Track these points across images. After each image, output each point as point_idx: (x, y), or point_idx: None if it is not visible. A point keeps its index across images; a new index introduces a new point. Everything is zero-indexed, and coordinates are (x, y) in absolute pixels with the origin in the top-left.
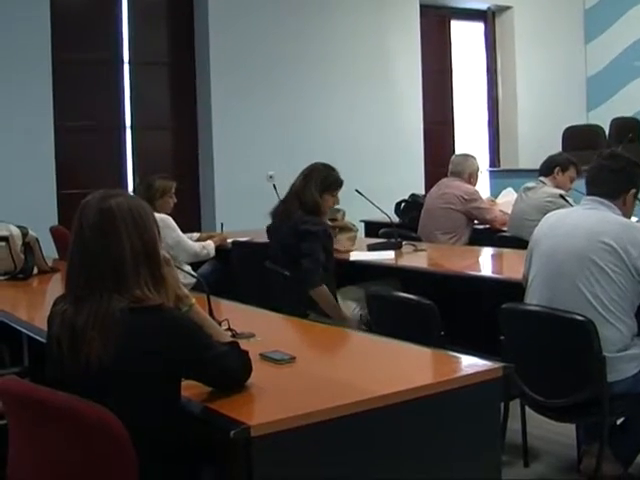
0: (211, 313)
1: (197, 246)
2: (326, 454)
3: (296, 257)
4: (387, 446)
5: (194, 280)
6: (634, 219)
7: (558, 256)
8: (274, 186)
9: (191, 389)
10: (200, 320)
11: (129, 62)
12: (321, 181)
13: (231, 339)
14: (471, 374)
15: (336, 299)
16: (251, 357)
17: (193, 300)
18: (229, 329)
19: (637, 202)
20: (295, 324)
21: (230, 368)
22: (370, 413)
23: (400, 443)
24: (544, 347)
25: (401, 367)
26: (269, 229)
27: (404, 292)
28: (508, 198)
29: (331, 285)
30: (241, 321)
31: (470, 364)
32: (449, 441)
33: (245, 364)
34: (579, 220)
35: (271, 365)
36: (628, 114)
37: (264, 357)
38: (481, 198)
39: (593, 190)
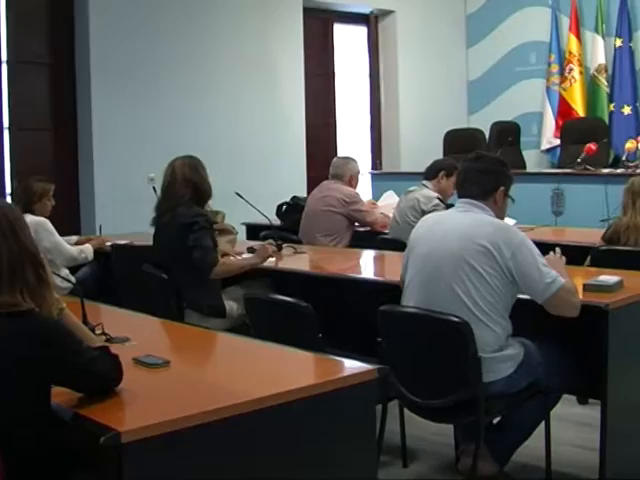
0: (85, 317)
1: (75, 250)
2: (201, 458)
3: (183, 251)
4: (262, 449)
5: (71, 284)
6: (507, 219)
7: (434, 258)
8: (154, 188)
9: (62, 395)
10: (70, 325)
11: (7, 62)
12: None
13: (102, 344)
14: (346, 376)
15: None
16: (125, 362)
17: (63, 304)
18: (103, 333)
19: (510, 200)
20: (171, 328)
21: (100, 373)
22: (244, 416)
23: (275, 445)
24: (421, 348)
25: (276, 370)
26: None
27: (281, 294)
28: (389, 201)
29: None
30: (116, 325)
31: (345, 366)
32: (325, 442)
33: (115, 369)
34: (454, 223)
35: (145, 370)
36: (508, 118)
37: (138, 361)
38: (362, 201)
39: (464, 192)
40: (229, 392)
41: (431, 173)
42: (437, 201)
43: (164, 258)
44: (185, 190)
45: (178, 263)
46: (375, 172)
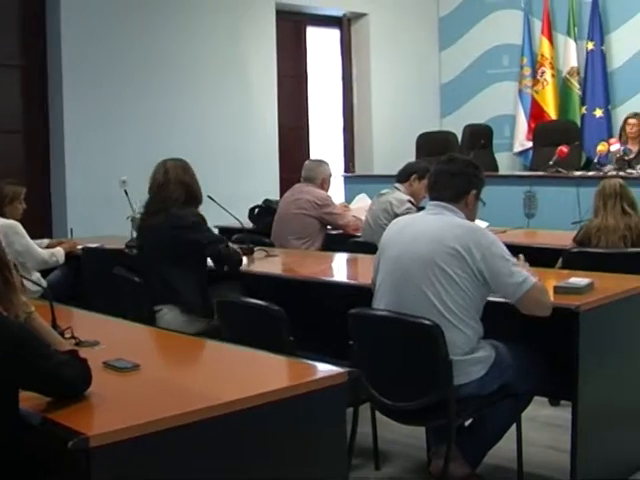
0: (54, 321)
1: (46, 253)
2: (170, 462)
3: (178, 252)
4: (232, 452)
5: (41, 288)
6: (479, 222)
7: (404, 261)
8: (125, 192)
9: (30, 400)
10: (39, 329)
11: None
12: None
13: (71, 348)
14: (316, 379)
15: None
16: (94, 365)
17: (32, 308)
18: (72, 337)
19: (480, 203)
20: (142, 331)
21: (68, 378)
22: (214, 420)
23: (245, 449)
24: (392, 351)
25: (247, 373)
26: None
27: (253, 297)
28: (361, 204)
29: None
30: (86, 329)
31: (316, 369)
32: (296, 445)
33: (84, 373)
34: (424, 225)
35: (114, 373)
36: (480, 121)
37: (107, 365)
38: (334, 204)
39: (436, 195)
40: (199, 396)
41: (403, 176)
42: (409, 204)
43: (150, 258)
44: (179, 192)
45: (171, 263)
46: (348, 175)
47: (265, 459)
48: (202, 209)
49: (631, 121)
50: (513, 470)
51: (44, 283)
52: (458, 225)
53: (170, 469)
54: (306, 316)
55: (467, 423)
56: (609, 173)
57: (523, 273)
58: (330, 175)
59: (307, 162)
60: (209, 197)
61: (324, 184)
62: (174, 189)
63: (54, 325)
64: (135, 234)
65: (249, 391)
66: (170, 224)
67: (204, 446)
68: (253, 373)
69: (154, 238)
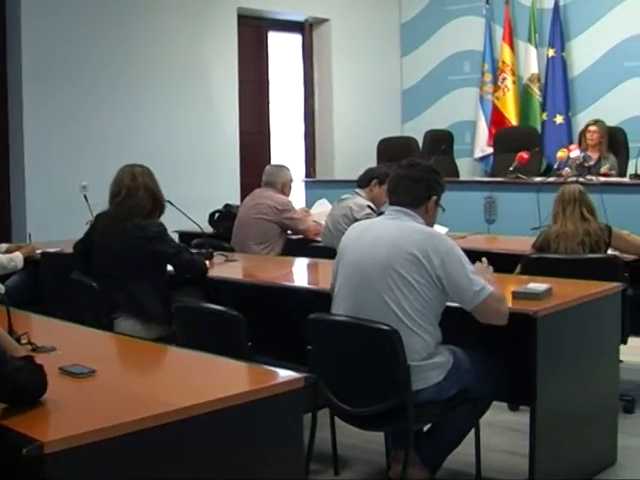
0: (10, 327)
1: (4, 258)
2: (126, 468)
3: (144, 262)
4: (187, 459)
5: None
6: (439, 227)
7: (363, 266)
8: (85, 197)
9: None
10: None
11: None
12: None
13: (27, 354)
14: (272, 385)
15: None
16: (50, 371)
17: None
18: (29, 343)
19: (439, 209)
20: (99, 337)
21: (23, 384)
22: (170, 426)
23: (202, 455)
24: (350, 357)
25: (203, 379)
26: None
27: (212, 302)
28: (322, 209)
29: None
30: (43, 334)
31: (273, 375)
32: (252, 451)
33: (39, 379)
34: (383, 230)
35: (70, 379)
36: (441, 127)
37: (63, 371)
38: (294, 209)
39: (395, 200)
40: (155, 401)
41: (364, 181)
42: (369, 209)
43: (111, 265)
44: (147, 200)
45: (132, 272)
46: (309, 180)
47: (221, 465)
48: (163, 214)
49: (591, 128)
50: (472, 475)
51: (1, 288)
52: (417, 231)
53: (126, 475)
54: (266, 321)
55: (426, 428)
56: (569, 179)
57: (481, 281)
58: (291, 180)
59: (268, 167)
60: (169, 202)
61: (284, 189)
62: (142, 196)
63: (10, 331)
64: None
65: (205, 397)
66: (134, 234)
67: (160, 452)
68: (210, 378)
69: (118, 245)
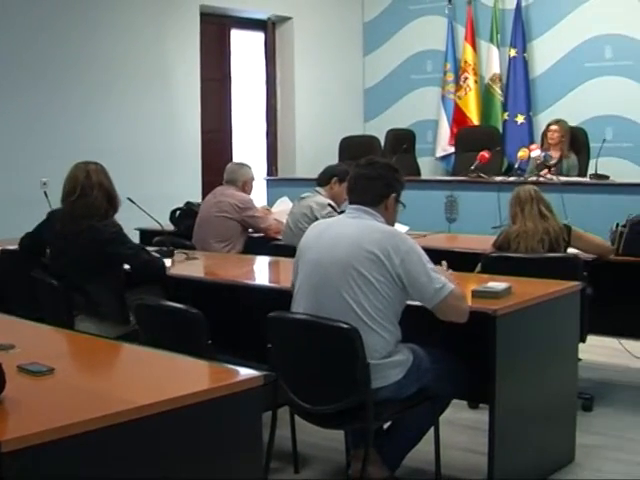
0: None
1: None
2: (85, 467)
3: (101, 264)
4: (146, 457)
5: None
6: (399, 226)
7: (323, 265)
8: (45, 193)
9: None
10: None
11: None
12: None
13: None
14: (231, 383)
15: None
16: (8, 369)
17: None
18: None
19: (400, 206)
20: (59, 335)
21: None
22: (129, 424)
23: (161, 453)
24: (310, 355)
25: (163, 377)
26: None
27: (173, 301)
28: (283, 207)
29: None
30: (2, 332)
31: (232, 373)
32: (211, 449)
33: None
34: (343, 229)
35: (29, 377)
36: (403, 126)
37: (21, 369)
38: (255, 207)
39: (355, 199)
40: (114, 400)
41: (324, 179)
42: (330, 208)
43: (68, 267)
44: (102, 199)
45: (89, 273)
46: (270, 178)
47: (180, 463)
48: (123, 211)
49: (553, 127)
50: (431, 472)
51: None
52: (377, 230)
53: (85, 473)
54: (227, 319)
55: (386, 426)
56: (529, 179)
57: (441, 279)
58: (252, 178)
59: (229, 165)
60: (129, 199)
61: (246, 187)
62: (97, 195)
63: None
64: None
65: (164, 395)
66: (91, 236)
67: (119, 450)
68: (169, 376)
69: (75, 248)
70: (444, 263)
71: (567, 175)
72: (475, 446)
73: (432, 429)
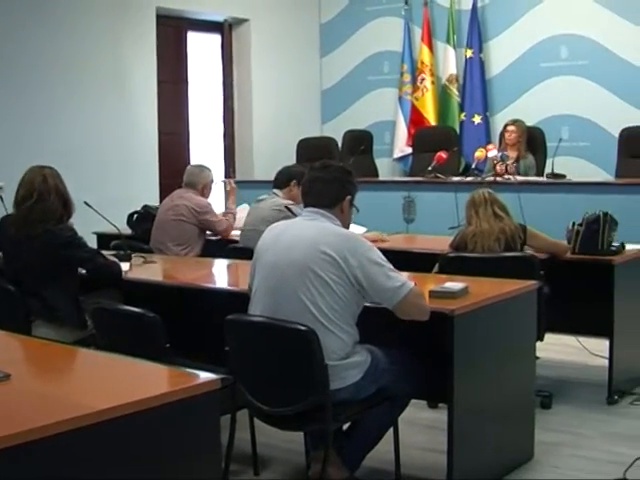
0: None
1: None
2: (42, 473)
3: (57, 269)
4: (104, 462)
5: None
6: (356, 227)
7: (280, 267)
8: (1, 197)
9: None
10: None
11: None
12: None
13: None
14: (188, 387)
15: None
16: None
17: None
18: None
19: (354, 209)
20: (14, 340)
21: None
22: (86, 429)
23: (118, 458)
24: (268, 357)
25: (121, 382)
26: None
27: (131, 305)
28: (242, 214)
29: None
30: None
31: (189, 377)
32: (170, 453)
33: None
34: (300, 231)
35: None
36: (361, 127)
37: None
38: (213, 210)
39: (311, 201)
40: (72, 405)
41: (282, 182)
42: (287, 210)
43: (23, 272)
44: (58, 204)
45: (44, 278)
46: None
47: (137, 467)
48: (80, 216)
49: (510, 128)
50: (391, 472)
51: None
52: (334, 232)
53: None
54: (186, 323)
55: (345, 427)
56: (487, 179)
57: (401, 278)
58: (212, 181)
59: (189, 167)
60: (86, 203)
61: (205, 190)
62: (54, 199)
63: None
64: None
65: (120, 399)
66: (46, 240)
67: (76, 455)
68: (126, 381)
69: (30, 253)
70: None
71: (525, 175)
72: (435, 445)
73: (392, 429)
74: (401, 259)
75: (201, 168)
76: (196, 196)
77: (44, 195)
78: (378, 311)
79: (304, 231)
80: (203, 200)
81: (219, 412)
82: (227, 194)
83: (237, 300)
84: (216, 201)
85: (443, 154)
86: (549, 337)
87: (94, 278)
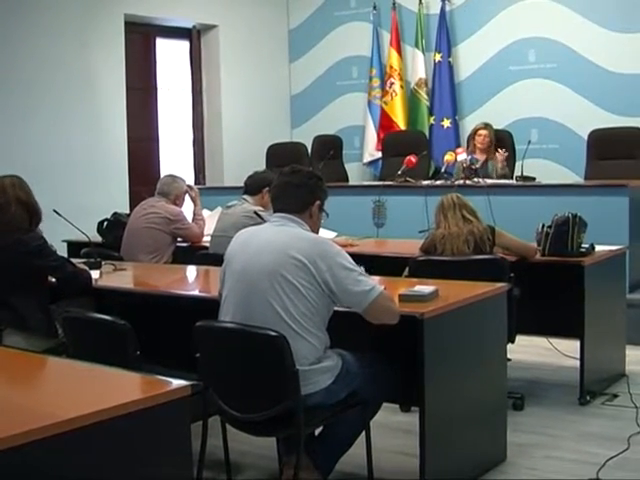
0: None
1: None
2: None
3: (26, 277)
4: (72, 471)
5: None
6: (326, 232)
7: (250, 273)
8: None
9: None
10: None
11: None
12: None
13: None
14: (158, 394)
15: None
16: None
17: None
18: None
19: (324, 214)
20: None
21: None
22: (55, 437)
23: (87, 466)
24: (239, 363)
25: (91, 390)
26: None
27: (102, 312)
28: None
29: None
30: None
31: (159, 383)
32: (140, 461)
33: None
34: (269, 237)
35: None
36: (330, 132)
37: None
38: (185, 219)
39: (280, 206)
40: (42, 414)
41: (254, 188)
42: (257, 216)
43: None
44: (22, 213)
45: (13, 287)
46: (199, 187)
47: (109, 475)
48: (49, 224)
49: (482, 132)
50: (364, 476)
51: None
52: (303, 237)
53: None
54: (156, 330)
55: (317, 432)
56: (456, 182)
57: (370, 282)
58: (185, 192)
59: (163, 177)
60: (55, 211)
61: (177, 200)
62: (16, 210)
63: None
64: None
65: (91, 407)
66: (15, 249)
67: (46, 464)
68: (96, 389)
69: (0, 260)
70: (361, 268)
71: (496, 173)
72: (407, 449)
73: (364, 433)
74: (372, 263)
75: (174, 178)
76: (168, 205)
77: (3, 207)
78: (349, 315)
79: (273, 236)
80: (176, 208)
81: (190, 419)
82: (193, 200)
83: (207, 306)
84: (188, 210)
85: (413, 158)
86: (520, 339)
87: (64, 286)
